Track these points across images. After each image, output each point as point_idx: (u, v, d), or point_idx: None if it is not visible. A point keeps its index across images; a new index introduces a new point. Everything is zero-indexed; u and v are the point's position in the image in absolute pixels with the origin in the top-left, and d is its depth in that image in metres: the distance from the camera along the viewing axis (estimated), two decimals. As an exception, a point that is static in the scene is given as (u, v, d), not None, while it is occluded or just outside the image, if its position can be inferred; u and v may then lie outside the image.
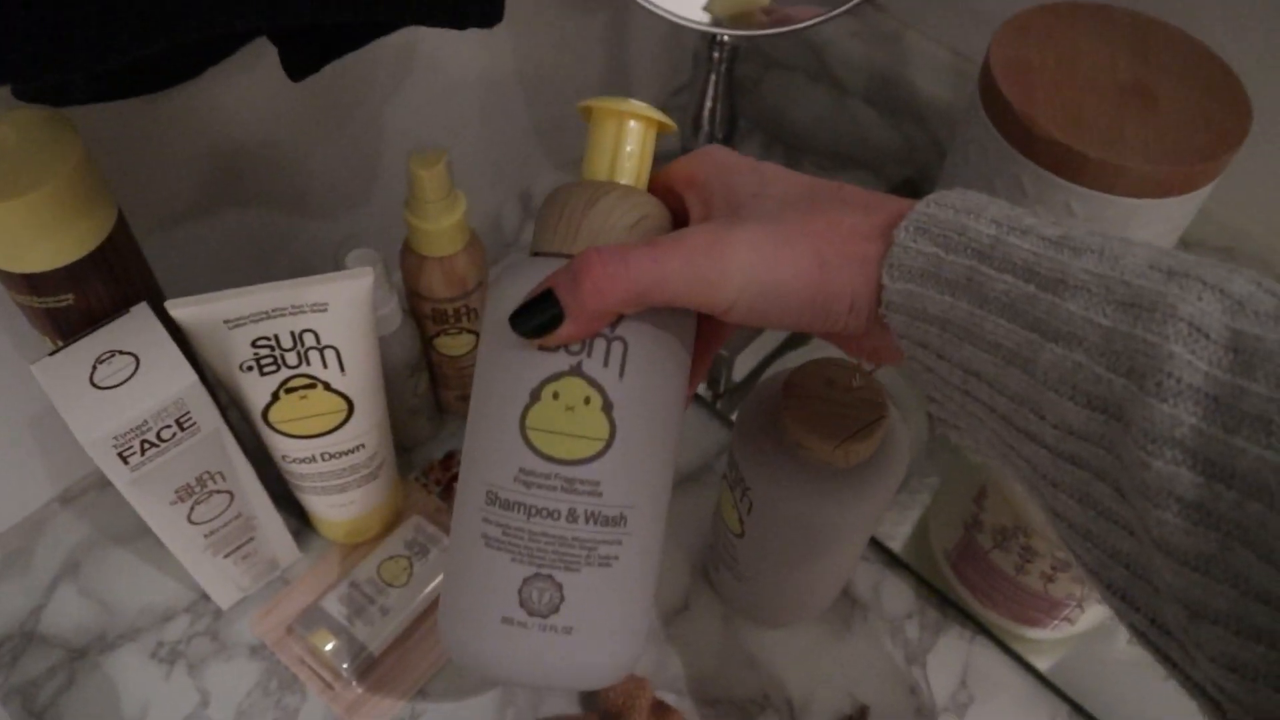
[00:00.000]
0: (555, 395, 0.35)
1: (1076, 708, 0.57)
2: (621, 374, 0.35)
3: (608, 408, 0.35)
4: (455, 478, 0.64)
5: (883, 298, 0.31)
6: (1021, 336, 0.28)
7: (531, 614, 0.35)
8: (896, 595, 0.61)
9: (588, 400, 0.35)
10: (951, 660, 0.59)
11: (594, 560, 0.35)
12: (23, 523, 0.62)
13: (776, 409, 0.47)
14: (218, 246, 0.61)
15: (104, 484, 0.64)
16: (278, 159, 0.61)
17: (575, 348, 0.35)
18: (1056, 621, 0.56)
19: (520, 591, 0.35)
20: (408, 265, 0.57)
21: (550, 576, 0.35)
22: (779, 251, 0.32)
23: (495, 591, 0.35)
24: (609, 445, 0.35)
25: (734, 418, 0.50)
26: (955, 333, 0.30)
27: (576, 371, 0.35)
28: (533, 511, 0.35)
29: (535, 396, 0.35)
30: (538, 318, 0.33)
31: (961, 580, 0.59)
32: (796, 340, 0.71)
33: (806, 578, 0.54)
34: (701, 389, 0.68)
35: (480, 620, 0.35)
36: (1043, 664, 0.59)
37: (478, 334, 0.60)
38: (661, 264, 0.32)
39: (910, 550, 0.62)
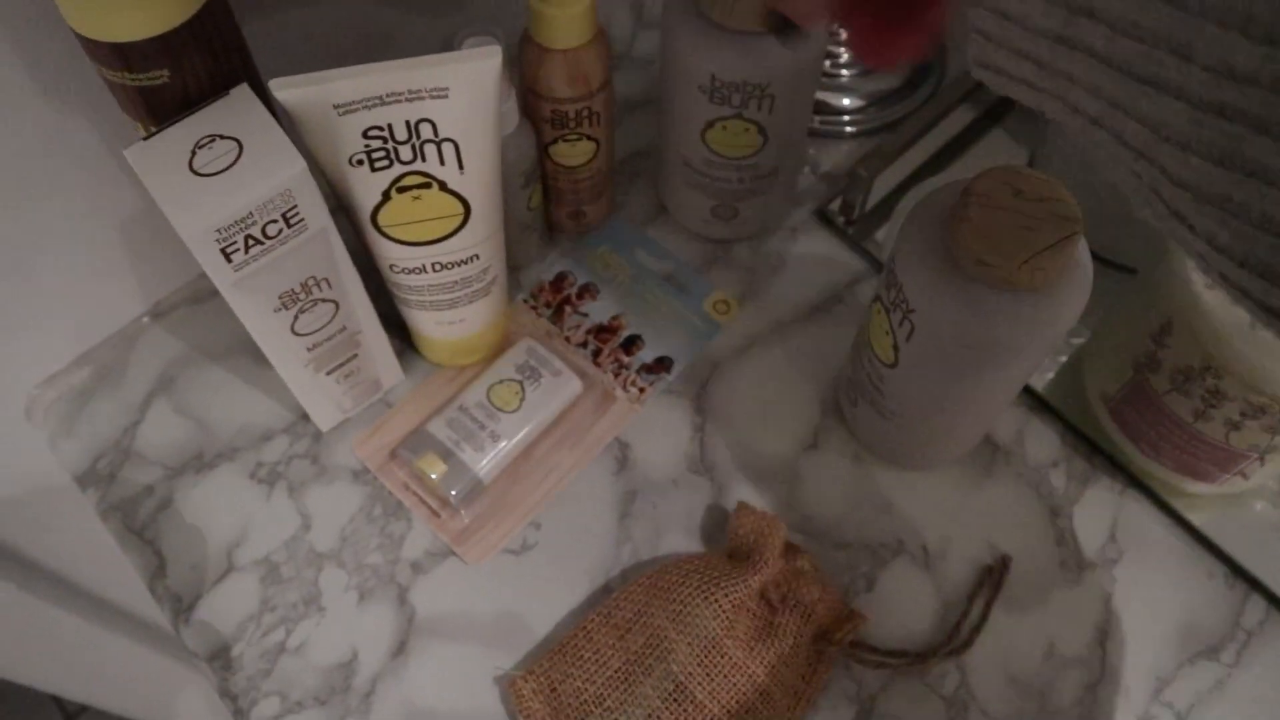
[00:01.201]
0: (724, 128, 0.54)
1: (1236, 569, 0.53)
2: (771, 112, 0.53)
3: (761, 131, 0.54)
4: (567, 300, 0.59)
5: None
6: None
7: (718, 219, 0.61)
8: (1042, 442, 0.56)
9: (747, 130, 0.54)
10: (1100, 513, 0.55)
11: (751, 195, 0.59)
12: (114, 336, 0.59)
13: (950, 221, 0.42)
14: (318, 35, 0.55)
15: (197, 299, 0.61)
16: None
17: (736, 100, 0.52)
18: (1229, 476, 0.51)
19: (711, 210, 0.60)
20: (528, 59, 0.51)
21: (728, 204, 0.59)
22: None
23: (695, 210, 0.61)
24: (762, 148, 0.55)
25: (894, 243, 0.45)
26: None
27: (738, 116, 0.53)
28: (715, 178, 0.57)
29: (710, 125, 0.54)
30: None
31: (1122, 427, 0.53)
32: (938, 164, 0.65)
33: (959, 414, 0.49)
34: (834, 213, 0.63)
35: (688, 219, 0.62)
36: (1197, 520, 0.54)
37: (598, 141, 0.55)
38: None
39: (1057, 394, 0.57)
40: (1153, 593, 0.52)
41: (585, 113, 0.53)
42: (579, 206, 0.60)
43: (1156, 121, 0.25)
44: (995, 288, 0.41)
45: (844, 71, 0.67)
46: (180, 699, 0.98)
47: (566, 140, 0.55)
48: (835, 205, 0.63)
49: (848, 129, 0.67)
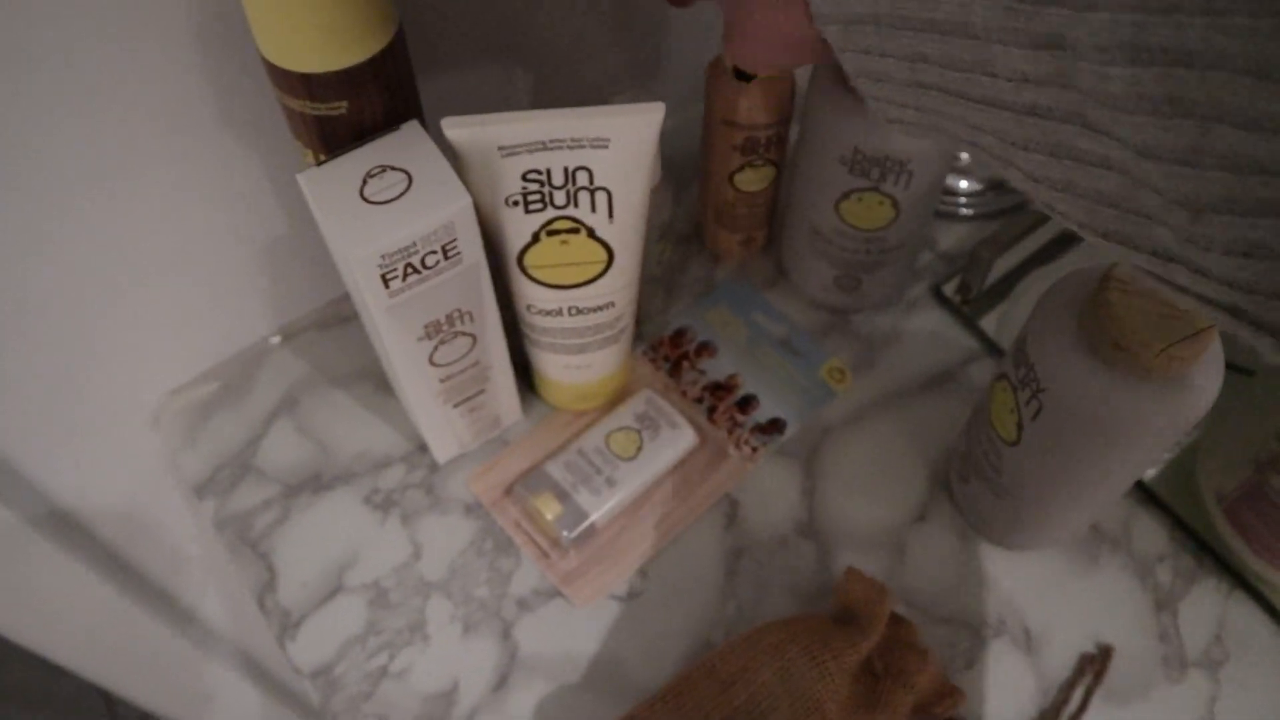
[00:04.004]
0: (859, 200, 0.56)
1: (1346, 681, 0.52)
2: (907, 187, 0.54)
3: (895, 205, 0.55)
4: (685, 356, 0.60)
5: (810, 11, 0.32)
6: (949, 3, 0.27)
7: (840, 288, 0.62)
8: (1149, 535, 0.56)
9: (881, 203, 0.55)
10: (1206, 612, 0.54)
11: (876, 267, 0.60)
12: (243, 353, 0.61)
13: (1087, 304, 0.42)
14: (486, 83, 0.58)
15: (322, 325, 0.63)
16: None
17: (875, 174, 0.53)
18: (1346, 582, 0.50)
19: (834, 279, 0.61)
20: (722, 89, 0.54)
21: (852, 275, 0.60)
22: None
23: (817, 278, 0.62)
24: (893, 222, 0.56)
25: (1028, 323, 0.45)
26: (889, 23, 0.30)
27: (875, 189, 0.55)
28: (843, 248, 0.59)
29: (845, 196, 0.56)
30: None
31: (1236, 526, 0.53)
32: (1055, 250, 0.65)
33: (1074, 498, 0.49)
34: (950, 291, 0.63)
35: (809, 286, 0.63)
36: (1312, 629, 0.53)
37: (779, 165, 0.60)
38: None
39: (1167, 489, 0.57)
40: (1259, 700, 0.51)
41: (775, 138, 0.57)
42: (750, 233, 0.64)
43: (999, 131, 0.28)
44: (1129, 374, 0.42)
45: (963, 155, 0.69)
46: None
47: (754, 166, 0.59)
48: (952, 284, 0.64)
49: (963, 210, 0.68)
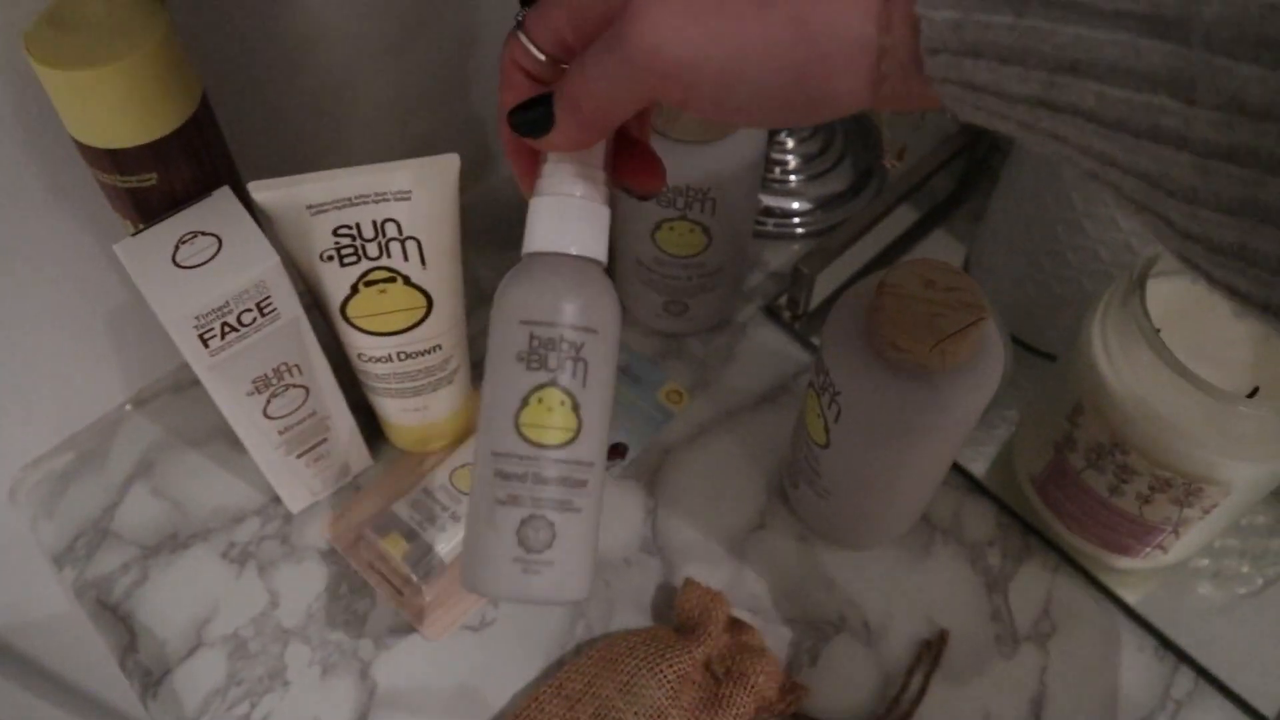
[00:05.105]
0: (672, 228, 0.57)
1: (1164, 641, 0.55)
2: (713, 214, 0.56)
3: (706, 231, 0.57)
4: (528, 390, 0.63)
5: (927, 72, 0.25)
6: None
7: (669, 314, 0.64)
8: (977, 522, 0.60)
9: (692, 230, 0.57)
10: (1034, 589, 0.57)
11: (700, 291, 0.62)
12: (98, 422, 0.62)
13: (870, 311, 0.46)
14: (295, 144, 0.60)
15: (177, 387, 0.64)
16: (365, 57, 0.60)
17: (681, 203, 0.55)
18: (1148, 549, 0.54)
19: (663, 305, 0.64)
20: None
21: (679, 300, 0.62)
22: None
23: (648, 305, 0.64)
24: (707, 247, 0.59)
25: (822, 331, 0.49)
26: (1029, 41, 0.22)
27: (683, 218, 0.56)
28: (665, 275, 0.61)
29: (658, 226, 0.57)
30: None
31: (1048, 505, 0.57)
32: (882, 261, 0.69)
33: (890, 492, 0.52)
34: (781, 308, 0.67)
35: (642, 314, 0.61)
36: (1130, 596, 0.57)
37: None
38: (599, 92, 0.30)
39: (992, 477, 0.61)
40: (1085, 665, 0.55)
41: None
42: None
43: (1157, 176, 0.22)
44: (909, 371, 0.45)
45: (792, 177, 0.72)
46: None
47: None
48: (782, 301, 0.67)
49: (798, 230, 0.72)
